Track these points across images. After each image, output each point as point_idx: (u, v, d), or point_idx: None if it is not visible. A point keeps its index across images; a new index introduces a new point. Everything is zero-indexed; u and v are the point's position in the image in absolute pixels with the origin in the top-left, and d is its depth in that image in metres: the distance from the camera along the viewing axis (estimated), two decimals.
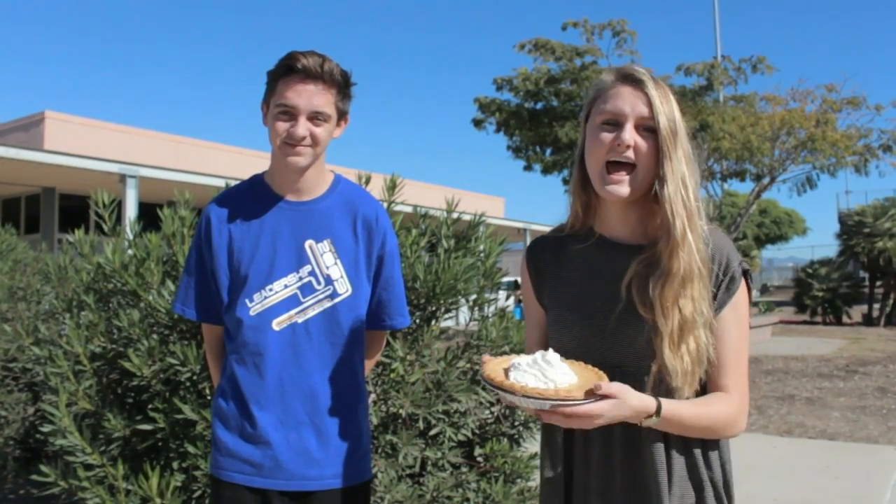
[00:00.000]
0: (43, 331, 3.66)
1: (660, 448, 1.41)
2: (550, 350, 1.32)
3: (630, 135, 1.37)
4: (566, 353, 1.39)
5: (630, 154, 1.38)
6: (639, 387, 1.34)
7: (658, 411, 1.31)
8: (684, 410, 1.35)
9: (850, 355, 13.16)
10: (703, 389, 1.44)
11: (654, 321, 1.37)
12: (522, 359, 1.31)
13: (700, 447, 1.45)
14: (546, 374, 1.26)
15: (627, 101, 1.39)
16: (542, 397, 1.22)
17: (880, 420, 7.39)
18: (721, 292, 1.42)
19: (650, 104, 1.37)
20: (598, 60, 16.66)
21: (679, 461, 1.42)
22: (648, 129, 1.39)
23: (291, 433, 1.84)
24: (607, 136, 1.39)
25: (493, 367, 1.32)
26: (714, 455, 1.47)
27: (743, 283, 1.45)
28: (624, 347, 1.42)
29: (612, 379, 1.31)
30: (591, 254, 1.50)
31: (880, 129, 17.42)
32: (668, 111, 1.38)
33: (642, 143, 1.38)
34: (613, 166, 1.40)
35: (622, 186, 1.39)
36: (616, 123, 1.39)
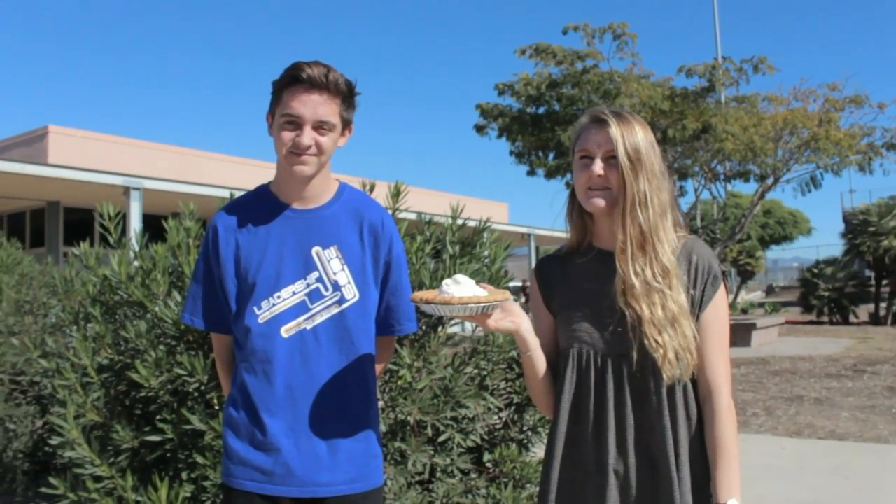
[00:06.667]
0: (50, 343, 3.67)
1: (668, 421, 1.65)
2: (459, 274, 1.62)
3: (598, 168, 1.69)
4: (579, 346, 1.71)
5: (601, 182, 1.70)
6: (643, 372, 1.64)
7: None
8: (724, 465, 1.62)
9: (858, 355, 13.12)
10: (693, 382, 1.68)
11: (635, 317, 1.65)
12: (443, 284, 1.62)
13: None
14: (450, 291, 1.58)
15: (595, 141, 1.71)
16: (429, 302, 1.56)
17: (890, 419, 7.36)
18: (707, 291, 1.69)
19: (612, 141, 1.69)
20: (599, 64, 16.61)
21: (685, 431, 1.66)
22: (615, 157, 1.69)
23: (302, 440, 1.84)
24: (584, 171, 1.72)
25: (422, 293, 1.64)
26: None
27: (721, 283, 1.72)
28: (621, 338, 1.67)
29: (617, 366, 1.67)
30: (592, 264, 1.78)
31: (883, 127, 17.25)
32: (631, 143, 1.67)
33: (612, 171, 1.69)
34: (593, 189, 1.73)
35: (599, 199, 1.70)
36: (590, 157, 1.71)
